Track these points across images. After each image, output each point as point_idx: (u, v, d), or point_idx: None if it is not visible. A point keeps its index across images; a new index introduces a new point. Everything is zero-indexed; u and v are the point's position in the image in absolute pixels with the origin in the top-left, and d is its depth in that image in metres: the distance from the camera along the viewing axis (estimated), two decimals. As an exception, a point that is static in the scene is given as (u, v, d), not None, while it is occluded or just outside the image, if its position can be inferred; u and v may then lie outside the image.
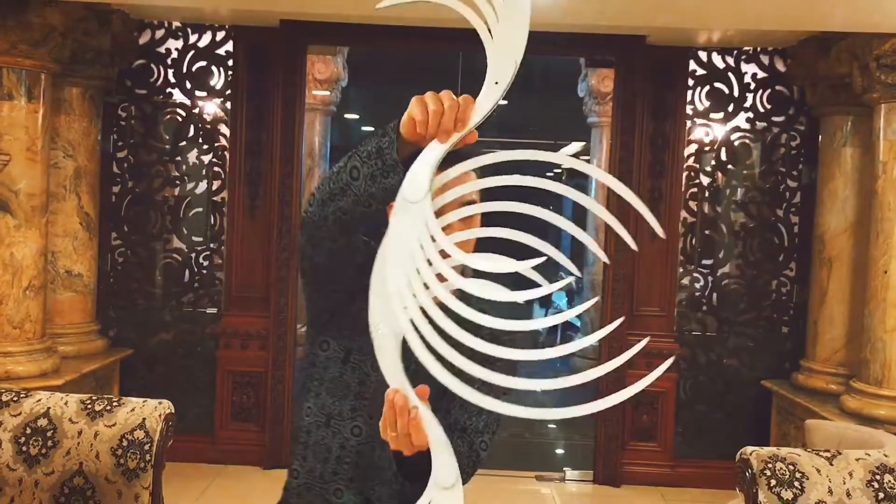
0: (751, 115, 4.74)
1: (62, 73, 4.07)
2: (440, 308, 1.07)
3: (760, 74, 4.72)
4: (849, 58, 4.04)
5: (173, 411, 2.35)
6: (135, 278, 4.78)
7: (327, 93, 6.62)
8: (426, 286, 1.08)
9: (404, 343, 1.09)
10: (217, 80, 4.74)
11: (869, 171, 4.06)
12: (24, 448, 2.24)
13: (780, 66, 4.68)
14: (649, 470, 4.68)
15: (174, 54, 4.73)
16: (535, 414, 1.03)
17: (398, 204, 1.12)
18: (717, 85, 4.72)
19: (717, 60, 4.71)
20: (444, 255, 1.09)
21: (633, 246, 1.07)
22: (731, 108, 4.73)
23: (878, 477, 2.30)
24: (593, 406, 1.01)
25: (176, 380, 4.71)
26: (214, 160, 4.76)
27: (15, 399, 2.33)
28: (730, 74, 4.71)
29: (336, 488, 1.47)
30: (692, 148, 4.75)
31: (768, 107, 4.73)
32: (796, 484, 2.25)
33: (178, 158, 4.77)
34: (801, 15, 3.83)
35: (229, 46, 4.70)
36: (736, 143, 4.76)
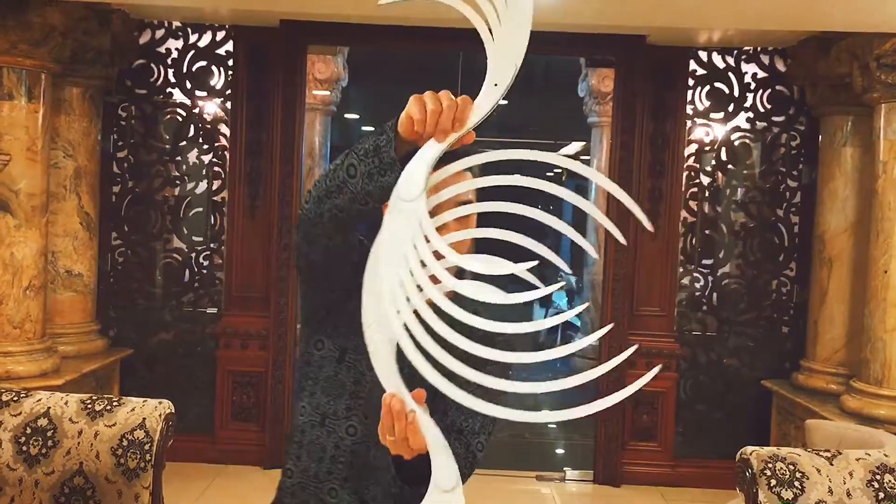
0: (751, 114, 4.74)
1: (62, 72, 4.07)
2: (434, 310, 1.07)
3: (761, 74, 4.72)
4: (849, 57, 4.04)
5: (173, 411, 2.35)
6: (135, 278, 4.78)
7: (327, 93, 6.62)
8: (420, 288, 1.08)
9: (399, 346, 1.09)
10: (217, 80, 4.74)
11: (869, 171, 4.06)
12: (25, 448, 2.24)
13: (781, 66, 4.68)
14: (649, 470, 4.68)
15: (174, 54, 4.73)
16: (528, 417, 1.03)
17: (393, 202, 1.11)
18: (717, 85, 4.72)
19: (718, 60, 4.71)
20: (438, 256, 1.09)
21: (623, 241, 1.08)
22: (731, 108, 4.73)
23: (878, 477, 2.30)
24: (582, 410, 1.01)
25: (176, 380, 4.71)
26: (214, 160, 4.76)
27: (15, 399, 2.33)
28: (730, 74, 4.71)
29: (331, 488, 1.46)
30: (692, 148, 4.75)
31: (768, 107, 4.73)
32: (796, 484, 2.25)
33: (179, 158, 4.77)
34: (802, 15, 3.83)
35: (229, 46, 4.70)
36: (736, 143, 4.76)
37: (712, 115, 4.74)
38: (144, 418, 2.28)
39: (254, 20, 4.55)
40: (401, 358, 1.09)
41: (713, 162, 4.77)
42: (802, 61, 4.45)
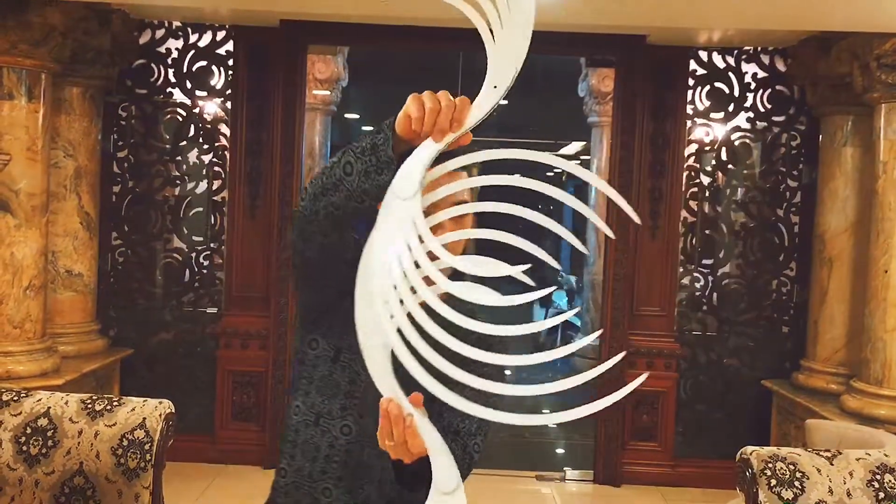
0: (751, 114, 4.74)
1: (62, 72, 4.07)
2: (428, 312, 1.06)
3: (761, 74, 4.72)
4: (849, 57, 4.04)
5: (173, 411, 2.35)
6: (135, 278, 4.78)
7: (328, 92, 6.62)
8: (413, 290, 1.08)
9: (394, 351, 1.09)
10: (217, 80, 4.74)
11: (869, 171, 4.06)
12: (25, 448, 2.24)
13: (781, 66, 4.68)
14: (650, 470, 4.68)
15: (174, 54, 4.73)
16: (520, 420, 1.03)
17: (387, 200, 1.11)
18: (717, 85, 4.72)
19: (718, 60, 4.71)
20: (432, 256, 1.08)
21: (611, 235, 1.09)
22: (731, 108, 4.73)
23: (878, 477, 2.30)
24: (570, 414, 1.02)
25: (176, 379, 4.71)
26: (215, 160, 4.76)
27: (15, 398, 2.33)
28: (730, 74, 4.71)
29: (324, 487, 1.46)
30: (692, 148, 4.75)
31: (769, 106, 4.73)
32: (797, 484, 2.25)
33: (179, 158, 4.77)
34: (802, 14, 3.83)
35: (230, 46, 4.70)
36: (736, 143, 4.76)
37: (712, 115, 4.74)
38: (145, 418, 2.28)
39: (254, 20, 4.55)
40: (396, 360, 1.09)
41: (713, 162, 4.77)
42: (803, 61, 4.45)
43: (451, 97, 1.10)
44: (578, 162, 11.30)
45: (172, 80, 4.74)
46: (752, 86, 4.72)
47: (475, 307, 1.06)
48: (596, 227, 6.99)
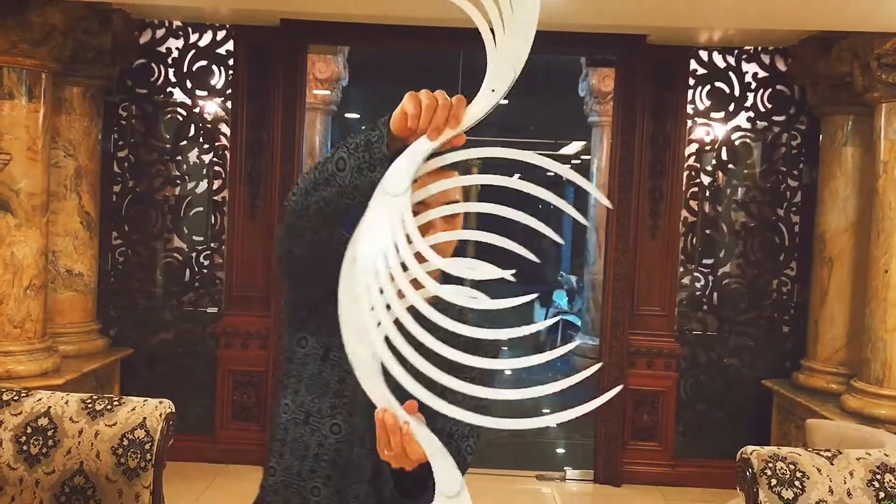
0: (751, 114, 4.74)
1: (63, 72, 4.07)
2: (415, 316, 1.06)
3: (761, 74, 4.72)
4: (850, 57, 4.04)
5: (174, 411, 2.35)
6: (135, 278, 4.78)
7: (328, 92, 6.62)
8: (401, 295, 1.07)
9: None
10: (218, 80, 4.74)
11: (870, 171, 4.06)
12: (25, 447, 2.24)
13: (781, 66, 4.68)
14: (650, 469, 4.68)
15: (175, 54, 4.73)
16: (507, 424, 1.03)
17: (377, 196, 1.11)
18: (717, 84, 4.72)
19: (718, 60, 4.71)
20: (420, 258, 1.08)
21: (585, 222, 1.10)
22: (731, 108, 4.73)
23: (878, 476, 2.30)
24: (557, 417, 1.03)
25: (176, 379, 4.71)
26: (215, 159, 4.76)
27: (16, 398, 2.33)
28: (730, 74, 4.71)
29: (313, 486, 1.45)
30: (693, 147, 4.75)
31: (769, 106, 4.73)
32: (797, 483, 2.25)
33: (179, 158, 4.77)
34: (802, 14, 3.83)
35: (230, 46, 4.70)
36: (737, 143, 4.75)
37: (713, 115, 4.74)
38: (145, 418, 2.28)
39: (254, 20, 4.55)
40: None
41: (714, 161, 4.77)
42: (803, 61, 4.45)
43: (448, 97, 1.10)
44: (579, 162, 11.31)
45: (173, 79, 4.74)
46: (753, 85, 4.72)
47: (465, 309, 1.06)
48: (596, 227, 6.99)
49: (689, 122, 4.72)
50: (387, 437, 1.11)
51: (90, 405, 2.31)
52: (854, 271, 4.27)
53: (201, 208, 4.79)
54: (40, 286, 3.93)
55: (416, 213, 1.11)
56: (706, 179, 4.78)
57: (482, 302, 1.07)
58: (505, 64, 1.06)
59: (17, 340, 3.82)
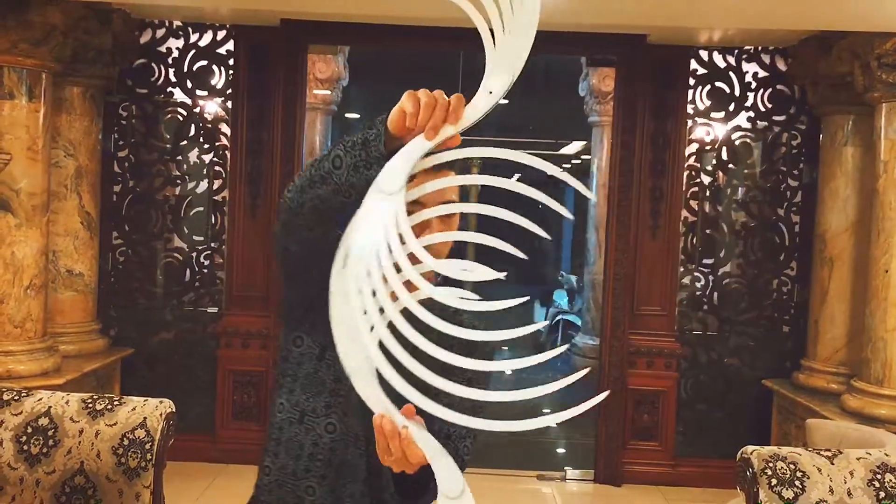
0: (752, 114, 4.74)
1: (63, 72, 4.07)
2: (408, 318, 1.06)
3: (761, 73, 4.72)
4: (850, 57, 4.04)
5: (174, 410, 2.35)
6: (136, 277, 4.78)
7: (328, 92, 6.62)
8: (394, 297, 1.07)
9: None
10: (218, 80, 4.74)
11: (870, 171, 4.06)
12: (26, 447, 2.24)
13: (781, 66, 4.68)
14: (650, 469, 4.68)
15: (175, 53, 4.73)
16: (501, 426, 1.04)
17: (371, 194, 1.11)
18: (717, 84, 4.72)
19: (718, 59, 4.71)
20: (413, 259, 1.08)
21: (570, 216, 1.10)
22: (732, 108, 4.73)
23: (879, 476, 2.30)
24: (544, 420, 1.03)
25: (177, 379, 4.71)
26: (215, 159, 4.76)
27: (16, 398, 2.33)
28: (731, 74, 4.71)
29: (308, 486, 1.45)
30: (693, 147, 4.75)
31: (769, 106, 4.73)
32: (797, 483, 2.25)
33: (179, 158, 4.77)
34: (802, 14, 3.83)
35: (230, 46, 4.70)
36: (737, 143, 4.75)
37: (713, 115, 4.74)
38: (145, 417, 2.28)
39: (254, 19, 4.55)
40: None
41: (714, 161, 4.77)
42: (803, 60, 4.45)
43: (447, 96, 1.10)
44: (579, 162, 11.31)
45: (173, 79, 4.74)
46: (753, 85, 4.72)
47: (459, 310, 1.06)
48: (596, 227, 6.99)
49: (690, 122, 4.72)
50: (386, 444, 1.11)
51: (90, 405, 2.31)
52: (854, 271, 4.27)
53: (201, 208, 4.79)
54: (41, 286, 3.93)
55: (412, 213, 1.11)
56: (706, 179, 4.78)
57: (474, 303, 1.07)
58: (503, 66, 1.06)
59: (18, 340, 3.82)
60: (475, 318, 1.44)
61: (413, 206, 1.16)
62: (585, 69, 6.83)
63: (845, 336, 4.31)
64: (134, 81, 4.73)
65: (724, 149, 4.75)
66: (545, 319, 9.31)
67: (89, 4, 4.01)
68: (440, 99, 1.09)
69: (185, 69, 4.73)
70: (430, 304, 1.07)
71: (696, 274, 4.80)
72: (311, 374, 1.47)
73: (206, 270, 4.79)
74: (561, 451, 5.66)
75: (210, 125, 4.76)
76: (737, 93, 4.72)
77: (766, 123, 4.74)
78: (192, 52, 4.72)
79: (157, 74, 4.73)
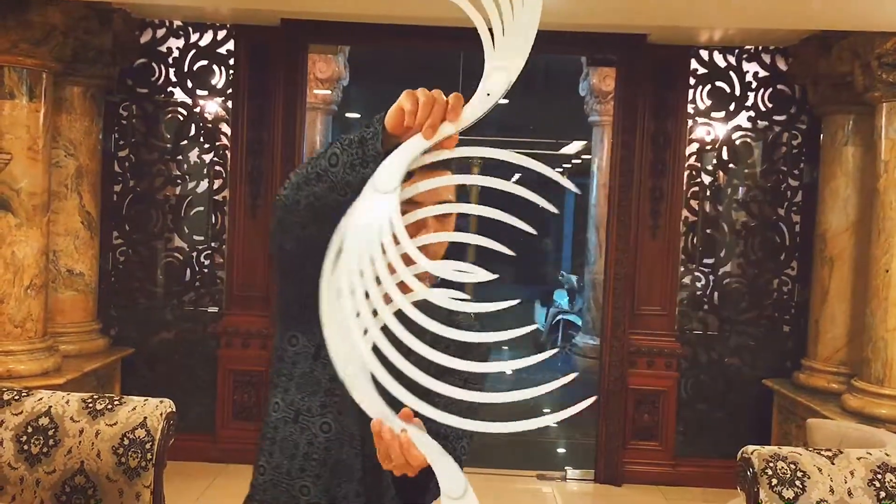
0: (752, 113, 4.74)
1: (63, 72, 4.07)
2: (401, 319, 1.06)
3: (762, 73, 4.72)
4: (850, 56, 4.04)
5: (174, 410, 2.35)
6: (136, 277, 4.78)
7: (329, 92, 6.62)
8: (388, 299, 1.07)
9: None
10: (218, 79, 4.74)
11: (870, 170, 4.05)
12: (26, 447, 2.24)
13: (782, 65, 4.68)
14: (650, 469, 4.68)
15: (175, 53, 4.73)
16: (495, 427, 1.05)
17: (366, 192, 1.10)
18: (718, 84, 4.72)
19: (719, 59, 4.71)
20: (407, 259, 1.07)
21: (554, 210, 1.10)
22: (732, 107, 4.73)
23: (879, 476, 2.30)
24: (536, 422, 1.04)
25: (177, 379, 4.71)
26: (216, 159, 4.76)
27: (16, 398, 2.33)
28: (731, 73, 4.71)
29: (302, 485, 1.45)
30: (693, 147, 4.75)
31: (770, 106, 4.73)
32: (798, 483, 2.25)
33: (180, 157, 4.77)
34: (803, 13, 3.83)
35: (230, 45, 4.70)
36: (737, 142, 4.75)
37: (713, 114, 4.74)
38: (145, 417, 2.28)
39: (255, 19, 4.55)
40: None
41: (714, 161, 4.77)
42: (804, 60, 4.45)
43: (445, 96, 1.10)
44: (580, 161, 11.31)
45: (173, 79, 4.74)
46: (753, 85, 4.72)
47: (454, 311, 1.06)
48: (596, 227, 6.99)
49: (690, 122, 4.72)
50: (386, 450, 1.11)
51: (91, 405, 2.31)
52: (855, 271, 4.27)
53: (202, 208, 4.79)
54: (41, 286, 3.93)
55: (407, 212, 1.11)
56: (707, 179, 4.78)
57: (467, 304, 1.07)
58: (502, 68, 1.06)
59: (18, 340, 3.82)
60: (471, 318, 1.44)
61: (409, 206, 1.15)
62: (586, 69, 6.83)
63: (846, 336, 4.31)
64: (134, 81, 4.73)
65: (725, 148, 4.75)
66: (546, 319, 9.31)
67: (90, 4, 4.01)
68: (439, 98, 1.09)
69: (186, 69, 4.73)
70: (424, 305, 1.07)
71: (696, 274, 4.80)
72: (307, 374, 1.46)
73: (206, 270, 4.79)
74: (561, 450, 5.66)
75: (210, 125, 4.76)
76: (737, 92, 4.71)
77: (766, 123, 4.74)
78: (193, 51, 4.72)
79: (157, 74, 4.73)
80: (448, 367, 1.05)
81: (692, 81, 4.69)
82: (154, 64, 4.73)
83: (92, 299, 4.54)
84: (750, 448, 2.35)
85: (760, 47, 4.69)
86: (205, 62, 4.73)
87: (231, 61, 4.71)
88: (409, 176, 1.14)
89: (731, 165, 4.76)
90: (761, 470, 2.27)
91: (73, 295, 4.43)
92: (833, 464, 2.31)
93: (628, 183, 4.63)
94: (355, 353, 1.07)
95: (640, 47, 4.53)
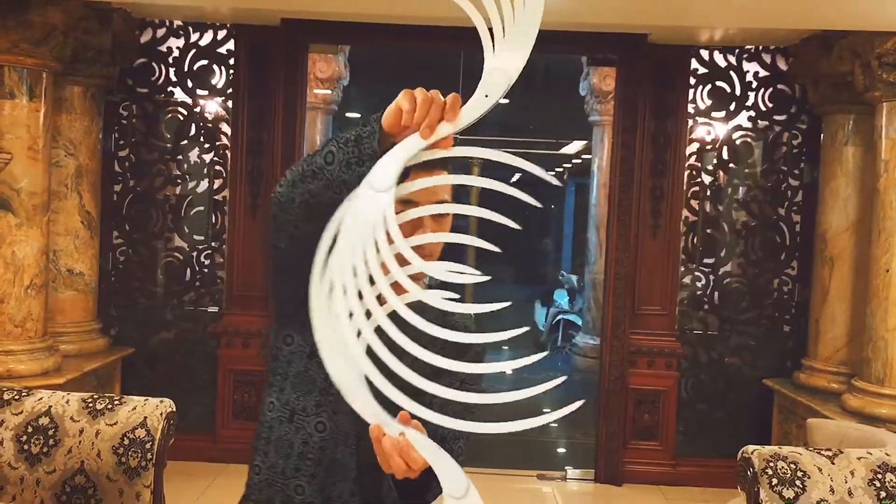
0: (752, 113, 4.74)
1: (63, 71, 4.07)
2: (395, 321, 1.06)
3: (762, 73, 4.71)
4: (850, 56, 4.03)
5: (175, 410, 2.35)
6: (136, 277, 4.78)
7: (329, 91, 6.62)
8: (381, 301, 1.06)
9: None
10: (218, 79, 4.74)
11: (871, 170, 4.05)
12: (26, 446, 2.24)
13: (782, 65, 4.68)
14: (651, 469, 4.68)
15: (175, 53, 4.73)
16: (482, 428, 1.05)
17: (361, 189, 1.10)
18: (718, 83, 4.72)
19: (719, 59, 4.71)
20: (401, 259, 1.07)
21: (537, 204, 1.08)
22: (732, 107, 4.73)
23: (879, 476, 2.30)
24: (528, 422, 1.04)
25: (177, 378, 4.71)
26: (216, 159, 4.76)
27: (16, 397, 2.33)
28: (731, 73, 4.71)
29: (297, 484, 1.45)
30: (694, 147, 4.75)
31: (770, 105, 4.72)
32: (798, 483, 2.25)
33: (180, 157, 4.77)
34: (803, 13, 3.83)
35: (230, 45, 4.70)
36: (737, 142, 4.75)
37: (714, 114, 4.74)
38: (146, 417, 2.27)
39: (255, 19, 4.55)
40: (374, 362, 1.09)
41: (715, 161, 4.77)
42: (804, 60, 4.45)
43: (443, 96, 1.10)
44: (580, 161, 11.31)
45: (173, 78, 4.74)
46: (754, 85, 4.72)
47: (449, 311, 1.06)
48: (597, 226, 6.99)
49: (690, 122, 4.72)
50: (385, 455, 1.11)
51: (91, 404, 2.31)
52: (855, 271, 4.27)
53: (202, 208, 4.79)
54: (41, 285, 3.93)
55: (402, 212, 1.11)
56: (707, 179, 4.78)
57: (459, 305, 1.07)
58: (501, 70, 1.06)
59: (18, 340, 3.82)
60: (466, 318, 1.44)
61: (405, 206, 1.15)
62: (586, 68, 6.83)
63: (846, 335, 4.31)
64: (134, 81, 4.73)
65: (725, 148, 4.75)
66: (546, 319, 9.31)
67: (90, 4, 4.01)
68: (436, 98, 1.09)
69: (186, 69, 4.73)
70: (419, 305, 1.07)
71: (696, 273, 4.80)
72: (302, 373, 1.46)
73: (206, 270, 4.79)
74: (561, 450, 5.67)
75: (210, 125, 4.76)
76: (737, 92, 4.71)
77: (766, 123, 4.74)
78: (193, 51, 4.72)
79: (157, 74, 4.73)
80: (441, 369, 1.05)
81: (692, 81, 4.69)
82: (154, 64, 4.73)
83: (92, 299, 4.54)
84: (750, 448, 2.34)
85: (761, 47, 4.69)
86: (205, 62, 4.73)
87: (231, 61, 4.71)
88: (406, 176, 1.14)
89: (731, 165, 4.76)
90: (761, 470, 2.27)
91: (73, 295, 4.43)
92: (833, 463, 2.31)
93: (628, 183, 4.63)
94: (349, 356, 1.07)
95: (641, 47, 4.53)
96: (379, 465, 1.15)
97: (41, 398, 2.34)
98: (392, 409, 1.10)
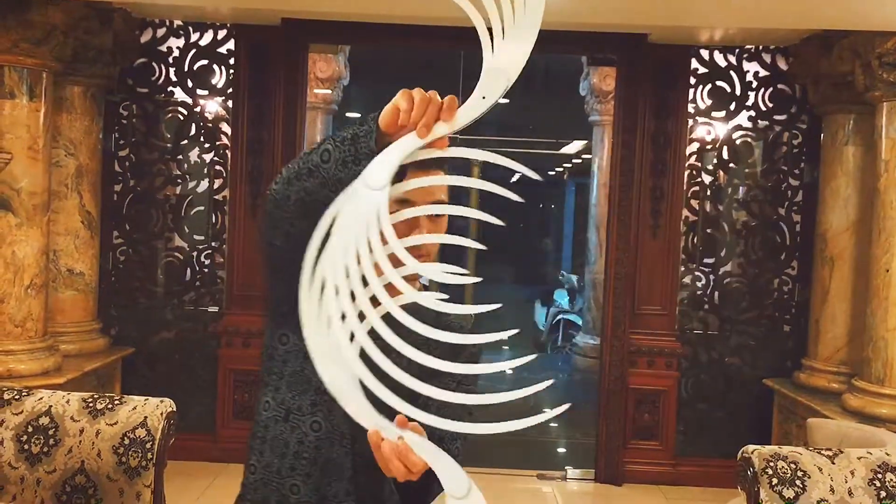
0: (753, 113, 4.74)
1: (64, 71, 4.07)
2: (388, 322, 1.06)
3: (762, 73, 4.71)
4: (851, 56, 4.03)
5: (175, 410, 2.35)
6: (136, 277, 4.78)
7: (329, 91, 6.62)
8: (375, 302, 1.06)
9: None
10: (218, 79, 4.74)
11: (871, 170, 4.05)
12: (26, 446, 2.24)
13: (782, 65, 4.68)
14: (651, 468, 4.68)
15: (176, 53, 4.73)
16: (477, 429, 1.05)
17: (355, 187, 1.10)
18: (718, 83, 4.72)
19: (719, 59, 4.71)
20: (394, 259, 1.07)
21: (519, 200, 1.08)
22: (732, 107, 4.73)
23: (879, 475, 2.30)
24: (523, 422, 1.04)
25: (177, 378, 4.71)
26: (216, 159, 4.76)
27: (17, 397, 2.33)
28: (732, 73, 4.71)
29: (293, 484, 1.45)
30: (694, 146, 4.75)
31: (770, 105, 4.72)
32: (798, 483, 2.25)
33: (180, 157, 4.77)
34: (803, 13, 3.83)
35: (231, 45, 4.70)
36: (738, 142, 4.75)
37: (714, 114, 4.74)
38: (146, 417, 2.28)
39: (255, 18, 4.55)
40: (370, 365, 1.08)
41: (715, 160, 4.77)
42: (804, 60, 4.45)
43: (441, 97, 1.11)
44: (580, 161, 11.31)
45: (174, 78, 4.74)
46: (754, 84, 4.72)
47: (444, 313, 1.06)
48: (596, 226, 6.99)
49: (691, 121, 4.72)
50: (385, 460, 1.11)
51: (91, 404, 2.31)
52: (855, 270, 4.27)
53: (202, 207, 4.79)
54: (41, 285, 3.93)
55: (397, 211, 1.11)
56: (707, 178, 4.78)
57: (451, 306, 1.07)
58: (500, 73, 1.06)
59: (19, 339, 3.82)
60: (462, 318, 1.44)
61: (402, 205, 1.16)
62: (586, 68, 6.82)
63: (846, 335, 4.31)
64: (135, 81, 4.73)
65: (725, 148, 4.75)
66: (546, 319, 9.32)
67: (90, 4, 4.01)
68: (434, 98, 1.10)
69: (186, 68, 4.73)
70: (413, 307, 1.07)
71: (696, 273, 4.80)
72: (297, 372, 1.45)
73: (206, 270, 4.80)
74: (561, 450, 5.66)
75: (211, 124, 4.76)
76: (738, 92, 4.71)
77: (766, 123, 4.74)
78: (193, 51, 4.72)
79: (157, 74, 4.73)
80: (437, 371, 1.05)
81: (692, 81, 4.69)
82: (154, 63, 4.73)
83: (92, 299, 4.54)
84: (750, 447, 2.35)
85: (761, 47, 4.69)
86: (205, 62, 4.73)
87: (231, 61, 4.71)
88: (402, 175, 1.14)
89: (731, 165, 4.76)
90: (762, 469, 2.27)
91: (74, 294, 4.43)
92: (833, 463, 2.31)
93: (629, 182, 4.63)
94: (341, 360, 1.07)
95: (641, 47, 4.53)
96: (375, 465, 1.15)
97: (41, 398, 2.34)
98: (388, 412, 1.10)
